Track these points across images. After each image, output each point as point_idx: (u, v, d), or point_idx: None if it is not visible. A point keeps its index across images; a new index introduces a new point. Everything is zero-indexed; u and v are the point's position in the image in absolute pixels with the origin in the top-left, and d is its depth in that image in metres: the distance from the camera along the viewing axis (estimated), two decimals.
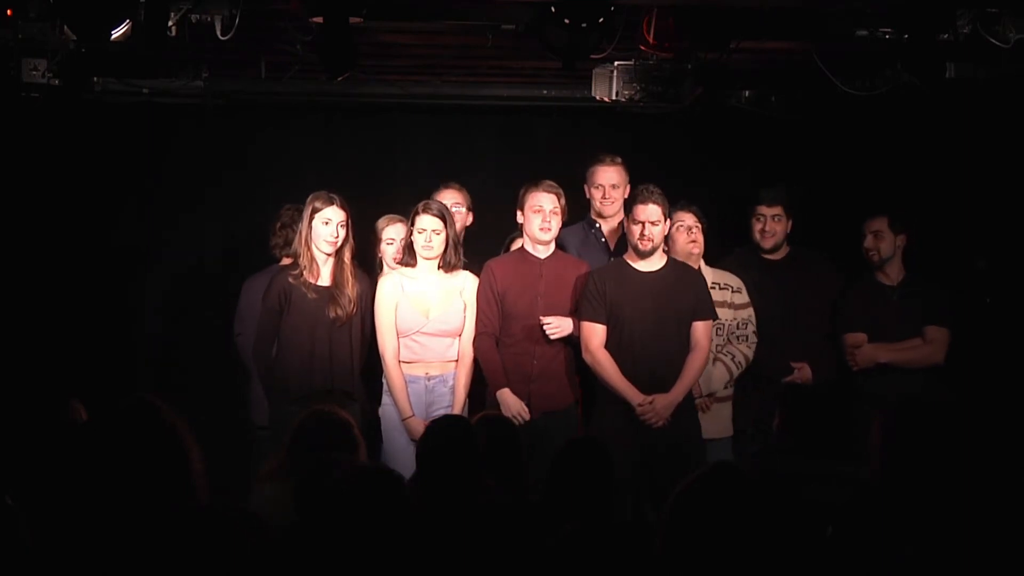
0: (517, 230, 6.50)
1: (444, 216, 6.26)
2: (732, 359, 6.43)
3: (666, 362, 6.12)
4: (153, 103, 6.97)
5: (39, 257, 7.27)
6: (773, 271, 6.74)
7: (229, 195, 7.62)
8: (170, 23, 5.19)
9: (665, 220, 6.16)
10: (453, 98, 7.49)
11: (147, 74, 6.51)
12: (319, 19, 5.23)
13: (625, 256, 6.27)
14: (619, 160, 6.66)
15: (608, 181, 6.63)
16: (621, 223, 6.50)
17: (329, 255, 6.21)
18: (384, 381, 6.32)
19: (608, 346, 6.13)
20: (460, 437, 4.59)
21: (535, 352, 6.26)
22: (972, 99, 6.55)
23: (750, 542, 3.04)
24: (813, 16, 5.72)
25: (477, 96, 7.46)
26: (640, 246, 6.14)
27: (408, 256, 6.31)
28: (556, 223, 6.29)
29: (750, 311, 6.52)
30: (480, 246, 6.70)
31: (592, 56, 5.68)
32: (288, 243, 6.44)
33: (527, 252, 6.36)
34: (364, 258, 6.51)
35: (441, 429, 4.70)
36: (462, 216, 6.64)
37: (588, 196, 6.71)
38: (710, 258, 6.60)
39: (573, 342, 6.26)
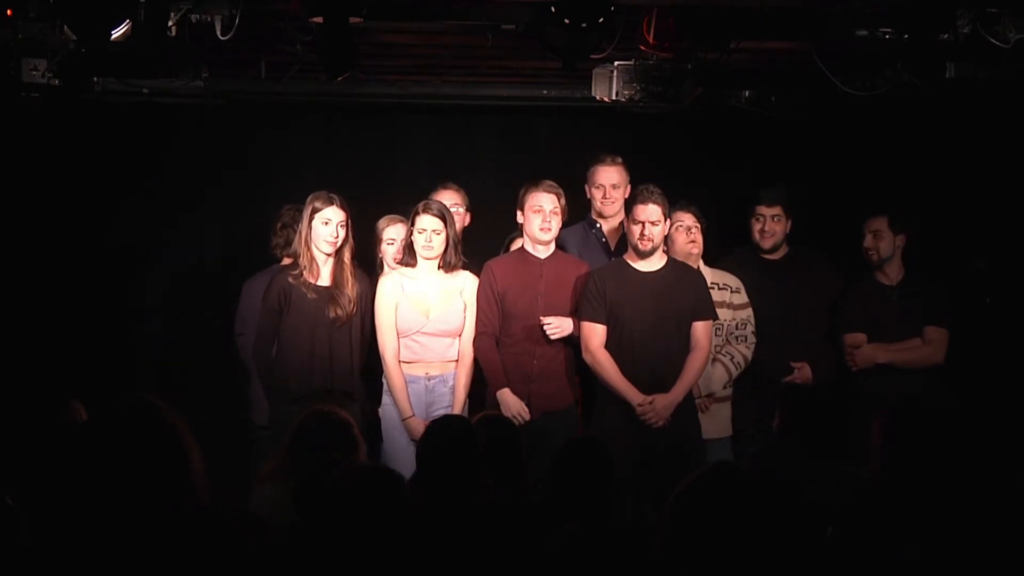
0: (517, 230, 6.50)
1: (444, 216, 6.26)
2: (731, 359, 6.43)
3: (666, 362, 6.12)
4: (153, 103, 6.97)
5: (39, 257, 7.27)
6: (773, 271, 6.74)
7: (229, 195, 7.62)
8: (170, 23, 5.19)
9: (665, 220, 6.16)
10: (453, 98, 7.49)
11: (147, 74, 6.51)
12: (319, 19, 5.23)
13: (625, 256, 6.27)
14: (620, 160, 6.66)
15: (609, 181, 6.63)
16: (622, 223, 6.50)
17: (329, 255, 6.21)
18: (384, 381, 6.32)
19: (608, 346, 6.13)
20: (460, 437, 4.59)
21: (535, 352, 6.26)
22: (972, 99, 6.55)
23: (750, 542, 3.04)
24: (813, 16, 5.72)
25: (477, 96, 7.46)
26: (640, 246, 6.14)
27: (408, 256, 6.31)
28: (556, 223, 6.29)
29: (749, 311, 6.52)
30: (480, 246, 6.70)
31: (592, 56, 5.68)
32: (289, 243, 6.43)
33: (527, 252, 6.36)
34: (364, 258, 6.51)
35: (441, 429, 4.70)
36: (460, 216, 6.64)
37: (589, 196, 6.71)
38: (710, 258, 6.60)
39: (573, 342, 6.26)
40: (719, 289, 6.44)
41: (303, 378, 6.14)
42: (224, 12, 5.29)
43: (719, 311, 6.33)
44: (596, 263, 6.46)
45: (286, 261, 6.46)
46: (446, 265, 6.30)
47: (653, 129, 7.43)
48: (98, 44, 5.59)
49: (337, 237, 6.17)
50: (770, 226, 6.72)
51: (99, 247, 7.45)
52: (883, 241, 6.67)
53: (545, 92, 7.33)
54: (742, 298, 6.53)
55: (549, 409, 6.24)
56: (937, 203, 7.31)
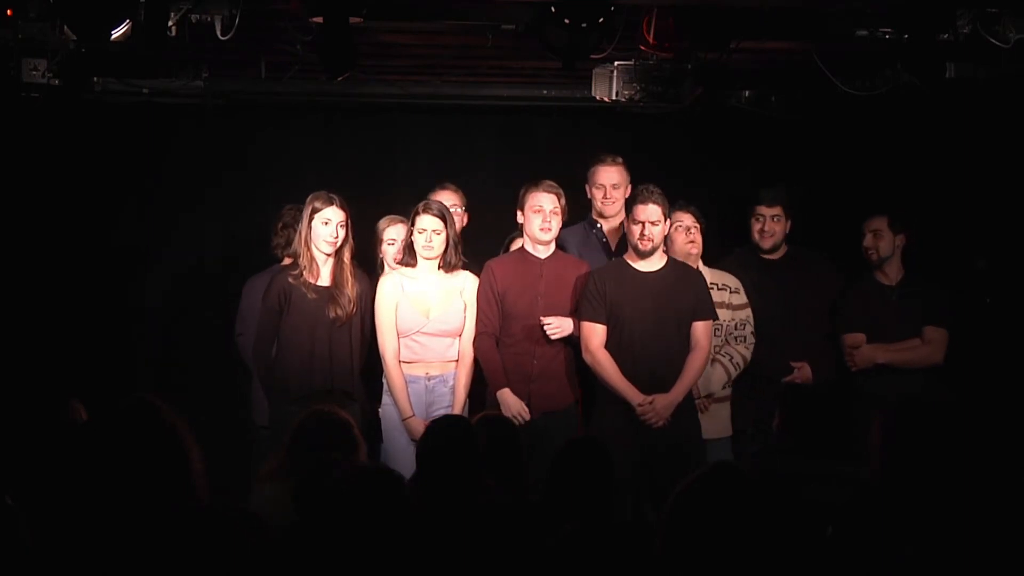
0: (517, 230, 6.50)
1: (444, 216, 6.26)
2: (730, 360, 6.43)
3: (666, 362, 6.12)
4: (153, 103, 6.97)
5: (39, 257, 7.27)
6: (772, 271, 6.74)
7: (229, 195, 7.62)
8: (170, 23, 5.19)
9: (665, 220, 6.16)
10: (453, 98, 7.49)
11: (147, 74, 6.51)
12: (319, 19, 5.23)
13: (625, 256, 6.27)
14: (620, 160, 6.66)
15: (609, 181, 6.63)
16: (622, 223, 6.50)
17: (329, 255, 6.21)
18: (384, 381, 6.32)
19: (608, 346, 6.13)
20: (460, 437, 4.59)
21: (535, 352, 6.26)
22: (972, 99, 6.55)
23: (750, 542, 3.04)
24: (813, 16, 5.72)
25: (477, 96, 7.46)
26: (640, 246, 6.14)
27: (408, 256, 6.31)
28: (556, 223, 6.29)
29: (748, 312, 6.52)
30: (480, 246, 6.70)
31: (592, 56, 5.67)
32: (290, 243, 6.43)
33: (527, 252, 6.36)
34: (364, 258, 6.51)
35: (441, 429, 4.70)
36: (458, 216, 6.64)
37: (589, 196, 6.72)
38: (710, 258, 6.60)
39: (573, 342, 6.26)
40: (718, 289, 6.44)
41: (303, 378, 6.14)
42: (224, 12, 5.28)
43: (718, 311, 6.33)
44: (596, 263, 6.46)
45: (287, 261, 6.46)
46: (446, 265, 6.30)
47: (653, 129, 7.43)
48: (98, 44, 5.59)
49: (337, 237, 6.17)
50: (770, 226, 6.72)
51: (99, 247, 7.45)
52: (883, 241, 6.67)
53: (545, 92, 7.32)
54: (741, 298, 6.53)
55: (549, 409, 6.24)
56: (937, 203, 7.31)
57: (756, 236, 6.75)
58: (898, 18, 5.56)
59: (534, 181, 6.33)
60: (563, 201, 6.31)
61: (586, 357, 6.17)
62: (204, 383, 7.37)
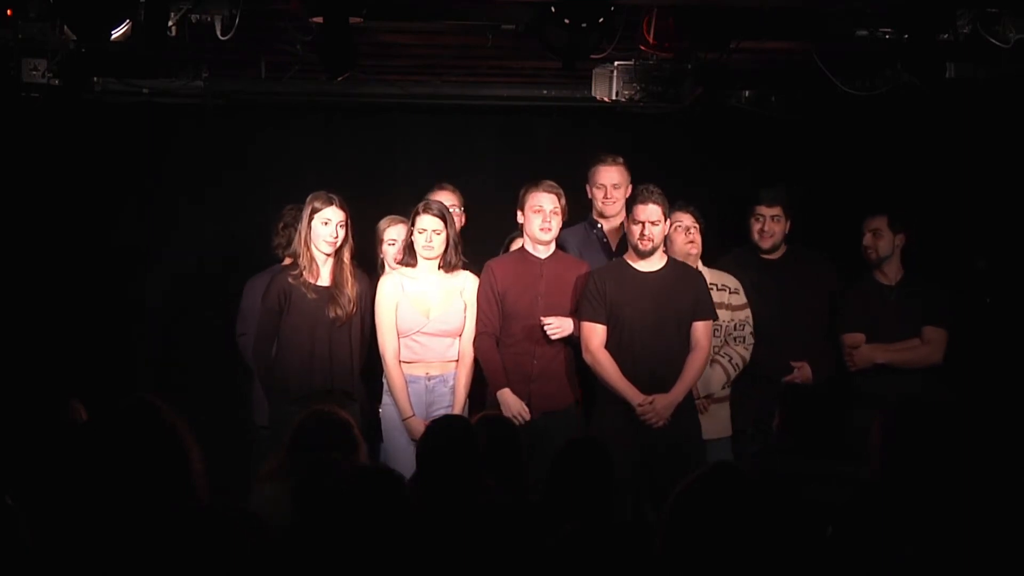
0: (517, 230, 6.50)
1: (444, 216, 6.26)
2: (729, 361, 6.43)
3: (666, 362, 6.12)
4: (153, 103, 6.97)
5: (39, 257, 7.27)
6: (771, 270, 6.74)
7: (229, 195, 7.62)
8: (170, 23, 5.19)
9: (665, 220, 6.16)
10: (453, 98, 7.49)
11: (147, 74, 6.51)
12: (319, 19, 5.23)
13: (625, 256, 6.27)
14: (621, 160, 6.66)
15: (610, 181, 6.63)
16: (623, 223, 6.50)
17: (328, 255, 6.21)
18: (384, 381, 6.32)
19: (608, 346, 6.13)
20: (460, 437, 4.59)
21: (535, 352, 6.26)
22: (972, 99, 6.55)
23: (750, 542, 3.04)
24: (813, 16, 5.71)
25: (477, 96, 7.46)
26: (640, 246, 6.14)
27: (408, 256, 6.31)
28: (556, 223, 6.29)
29: (747, 312, 6.51)
30: (480, 246, 6.70)
31: (592, 56, 5.67)
32: (291, 243, 6.43)
33: (527, 252, 6.36)
34: (364, 258, 6.51)
35: (441, 429, 4.70)
36: (456, 216, 6.64)
37: (590, 196, 6.72)
38: (709, 258, 6.60)
39: (573, 342, 6.26)
40: (718, 290, 6.44)
41: (303, 378, 6.14)
42: (224, 12, 5.28)
43: (717, 312, 6.33)
44: (597, 263, 6.46)
45: (288, 261, 6.46)
46: (446, 265, 6.30)
47: (653, 129, 7.42)
48: (98, 44, 5.59)
49: (336, 237, 6.18)
50: (770, 226, 6.72)
51: (99, 247, 7.45)
52: (882, 240, 6.67)
53: (545, 92, 7.32)
54: (740, 299, 6.52)
55: (549, 409, 6.24)
56: (937, 203, 7.30)
57: (756, 236, 6.74)
58: (898, 18, 5.55)
59: (534, 181, 6.33)
60: (563, 201, 6.31)
61: (586, 357, 6.17)
62: (204, 383, 7.37)
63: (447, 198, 6.62)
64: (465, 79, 7.36)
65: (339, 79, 5.58)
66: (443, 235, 6.24)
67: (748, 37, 5.81)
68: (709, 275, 6.44)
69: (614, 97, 6.34)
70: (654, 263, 6.20)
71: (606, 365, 6.10)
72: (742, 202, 6.85)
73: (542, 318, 6.22)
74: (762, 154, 7.55)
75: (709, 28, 5.68)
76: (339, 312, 6.17)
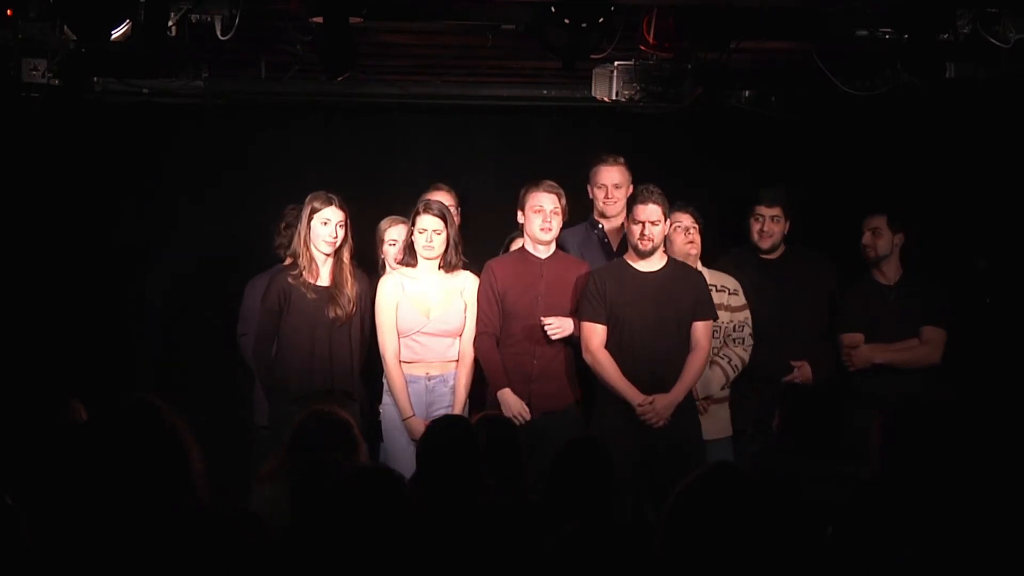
0: (517, 230, 6.50)
1: (445, 216, 6.26)
2: (728, 362, 6.43)
3: (666, 362, 6.12)
4: (153, 103, 6.97)
5: (39, 257, 7.27)
6: (770, 270, 6.74)
7: (229, 195, 7.61)
8: (170, 23, 5.19)
9: (665, 220, 6.16)
10: (453, 98, 7.49)
11: (147, 74, 6.51)
12: (319, 19, 5.23)
13: (625, 256, 6.27)
14: (622, 160, 6.66)
15: (611, 181, 6.63)
16: (623, 223, 6.50)
17: (328, 255, 6.21)
18: (384, 381, 6.32)
19: (608, 346, 6.13)
20: (460, 437, 4.59)
21: (535, 352, 6.26)
22: (972, 99, 6.55)
23: (750, 542, 3.04)
24: (813, 16, 5.71)
25: (477, 96, 7.46)
26: (640, 246, 6.14)
27: (409, 256, 6.31)
28: (557, 223, 6.29)
29: (747, 313, 6.51)
30: (480, 246, 6.70)
31: (592, 56, 5.67)
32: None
33: (528, 252, 6.36)
34: (364, 258, 6.51)
35: (441, 429, 4.70)
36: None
37: (591, 196, 6.71)
38: (708, 259, 6.60)
39: (574, 342, 6.26)
40: (717, 291, 6.43)
41: (303, 378, 6.15)
42: (224, 12, 5.28)
43: (717, 313, 6.33)
44: (597, 263, 6.46)
45: (289, 261, 6.46)
46: (447, 265, 6.30)
47: (653, 129, 7.42)
48: (98, 44, 5.59)
49: (336, 237, 6.18)
50: (769, 227, 6.72)
51: (99, 247, 7.45)
52: (881, 239, 6.67)
53: (545, 92, 7.32)
54: (740, 300, 6.52)
55: (549, 409, 6.24)
56: (937, 203, 7.30)
57: (755, 236, 6.74)
58: (898, 18, 5.55)
59: (535, 181, 6.33)
60: (563, 201, 6.31)
61: (586, 357, 6.17)
62: (204, 383, 7.37)
63: (443, 198, 6.62)
64: (465, 79, 7.36)
65: (339, 79, 5.58)
66: (443, 235, 6.24)
67: (748, 37, 5.81)
68: (708, 276, 6.44)
69: (614, 97, 6.34)
70: (654, 263, 6.20)
71: (606, 365, 6.10)
72: (742, 202, 6.85)
73: (542, 318, 6.22)
74: (762, 154, 7.55)
75: (709, 28, 5.68)
76: (339, 312, 6.17)
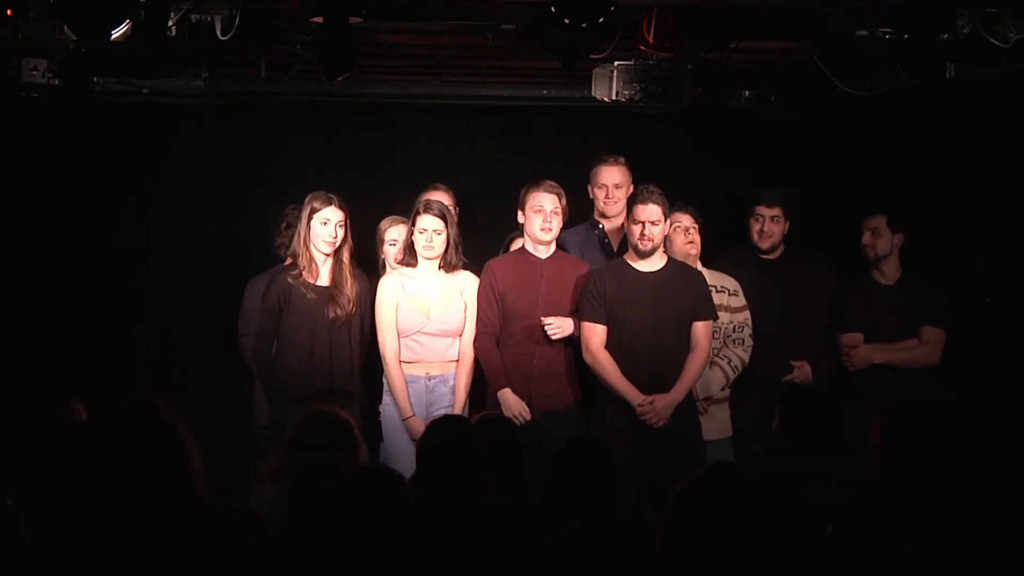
0: (517, 230, 6.50)
1: (445, 216, 6.26)
2: (728, 363, 6.43)
3: (666, 362, 6.12)
4: (153, 103, 6.97)
5: (39, 257, 7.27)
6: (770, 270, 6.74)
7: (229, 195, 7.61)
8: (170, 23, 5.19)
9: (665, 220, 6.17)
10: (453, 98, 7.49)
11: (147, 74, 6.51)
12: (319, 19, 5.23)
13: (625, 256, 6.27)
14: (622, 160, 6.66)
15: (611, 181, 6.63)
16: (624, 223, 6.49)
17: (328, 255, 6.21)
18: (384, 381, 6.32)
19: (608, 346, 6.13)
20: (460, 437, 4.59)
21: (535, 352, 6.26)
22: (972, 99, 6.55)
23: (750, 542, 3.04)
24: (813, 16, 5.71)
25: (477, 96, 7.46)
26: (640, 246, 6.14)
27: (409, 256, 6.31)
28: (557, 223, 6.29)
29: (747, 314, 6.51)
30: (480, 246, 6.70)
31: (592, 56, 5.67)
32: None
33: (528, 252, 6.36)
34: (364, 258, 6.51)
35: (441, 429, 4.70)
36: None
37: (591, 196, 6.71)
38: (708, 258, 6.60)
39: (574, 342, 6.26)
40: (717, 292, 6.43)
41: (303, 378, 6.15)
42: (224, 12, 5.28)
43: (717, 314, 6.33)
44: (598, 263, 6.46)
45: (289, 261, 6.46)
46: (447, 265, 6.30)
47: (653, 129, 7.42)
48: (98, 44, 5.59)
49: (336, 237, 6.18)
50: (769, 227, 6.71)
51: (99, 247, 7.45)
52: (881, 239, 6.67)
53: (545, 92, 7.32)
54: (740, 301, 6.52)
55: (549, 409, 6.24)
56: (937, 203, 7.31)
57: (755, 236, 6.74)
58: (898, 18, 5.55)
59: (535, 181, 6.33)
60: (564, 201, 6.31)
61: (586, 357, 6.17)
62: (204, 383, 7.37)
63: (440, 198, 6.62)
64: (465, 79, 7.36)
65: (339, 79, 5.58)
66: (443, 235, 6.24)
67: (748, 37, 5.81)
68: (708, 276, 6.43)
69: (614, 97, 6.34)
70: (654, 263, 6.20)
71: (606, 365, 6.10)
72: (742, 202, 6.84)
73: (542, 318, 6.22)
74: (762, 154, 7.55)
75: (709, 28, 5.68)
76: (339, 312, 6.17)
